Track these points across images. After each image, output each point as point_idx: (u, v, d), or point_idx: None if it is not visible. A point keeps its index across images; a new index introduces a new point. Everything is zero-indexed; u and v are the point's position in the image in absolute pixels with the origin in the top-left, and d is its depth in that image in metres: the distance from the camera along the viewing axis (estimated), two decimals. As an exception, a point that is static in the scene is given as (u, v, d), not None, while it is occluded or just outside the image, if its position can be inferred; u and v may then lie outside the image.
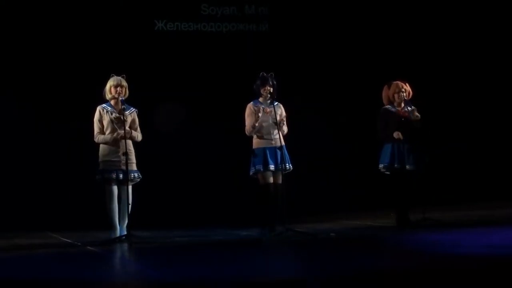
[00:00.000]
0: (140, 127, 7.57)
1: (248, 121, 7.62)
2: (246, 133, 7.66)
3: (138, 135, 7.48)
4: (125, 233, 7.23)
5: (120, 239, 7.17)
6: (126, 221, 7.34)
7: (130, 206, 7.28)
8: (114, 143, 7.33)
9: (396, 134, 7.78)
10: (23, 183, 9.48)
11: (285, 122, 7.64)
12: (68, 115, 9.57)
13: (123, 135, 7.28)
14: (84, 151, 8.56)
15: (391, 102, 8.02)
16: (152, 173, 9.24)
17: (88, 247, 7.07)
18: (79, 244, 7.39)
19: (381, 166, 7.96)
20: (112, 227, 7.34)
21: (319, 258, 6.00)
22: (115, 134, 7.32)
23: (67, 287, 4.96)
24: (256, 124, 7.53)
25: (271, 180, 7.57)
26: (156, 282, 5.06)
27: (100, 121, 7.42)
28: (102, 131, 7.42)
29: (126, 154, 7.16)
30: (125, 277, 5.42)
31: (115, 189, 7.33)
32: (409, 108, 7.97)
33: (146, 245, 7.15)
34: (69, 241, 7.76)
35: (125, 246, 6.95)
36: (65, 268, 5.90)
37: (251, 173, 7.63)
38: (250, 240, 7.40)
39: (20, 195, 9.44)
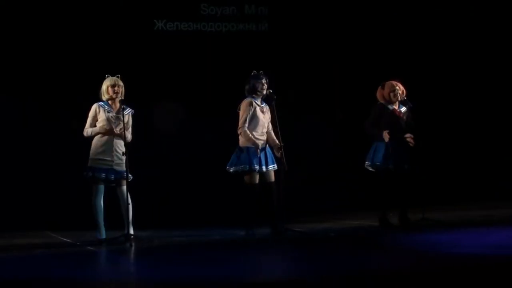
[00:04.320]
0: (140, 127, 7.56)
1: (245, 117, 7.52)
2: (239, 130, 7.52)
3: (129, 136, 7.46)
4: (130, 233, 7.22)
5: (119, 239, 7.16)
6: (129, 221, 7.32)
7: (130, 205, 7.28)
8: (107, 140, 7.30)
9: (385, 135, 7.80)
10: (23, 183, 9.47)
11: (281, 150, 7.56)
12: (69, 115, 9.56)
13: (117, 132, 7.28)
14: (84, 151, 8.55)
15: (387, 102, 8.02)
16: (151, 173, 9.26)
17: (88, 247, 7.07)
18: (78, 244, 7.39)
19: (368, 163, 7.95)
20: (97, 226, 7.33)
21: (318, 258, 5.99)
22: (104, 129, 7.30)
23: (66, 287, 4.96)
24: (246, 125, 7.49)
25: (258, 180, 7.54)
26: (156, 282, 5.06)
27: (94, 117, 7.38)
28: (92, 127, 7.39)
29: (125, 154, 7.15)
30: (125, 277, 5.42)
31: (102, 188, 7.31)
32: (404, 108, 7.98)
33: (145, 245, 7.15)
34: (69, 241, 7.75)
35: (125, 246, 6.94)
36: (65, 268, 5.89)
37: (235, 169, 7.52)
38: (248, 240, 7.39)
39: (20, 195, 9.44)
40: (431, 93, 10.41)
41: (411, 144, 7.87)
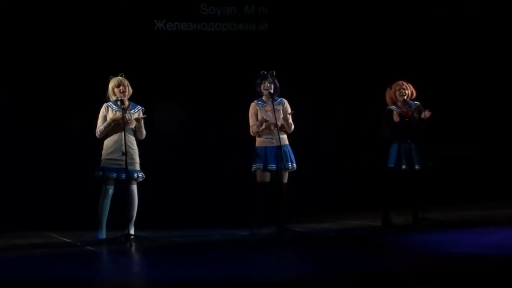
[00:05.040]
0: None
1: (251, 121, 7.61)
2: (251, 133, 7.64)
3: (143, 132, 7.48)
4: (130, 233, 7.23)
5: (119, 239, 7.16)
6: (132, 221, 7.33)
7: (136, 206, 7.30)
8: (117, 140, 7.30)
9: (395, 116, 7.77)
10: (23, 183, 9.47)
11: (290, 118, 7.63)
12: (69, 114, 9.57)
13: (128, 122, 7.28)
14: (84, 151, 8.58)
15: (394, 103, 8.01)
16: (151, 173, 9.24)
17: (88, 247, 7.07)
18: (78, 244, 7.39)
19: (388, 167, 7.94)
20: (99, 226, 7.33)
21: (318, 258, 5.99)
22: (114, 116, 7.28)
23: (66, 287, 4.96)
24: (261, 128, 7.51)
25: (268, 179, 7.55)
26: (156, 282, 5.06)
27: (104, 117, 7.39)
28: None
29: (125, 154, 7.15)
30: (125, 277, 5.42)
31: (111, 189, 7.32)
32: (414, 103, 7.95)
33: (145, 245, 7.15)
34: (69, 240, 7.75)
35: (125, 246, 6.94)
36: (65, 268, 5.89)
37: (252, 170, 7.62)
38: (249, 240, 7.40)
39: (20, 195, 9.44)
40: (430, 93, 10.40)
41: (427, 115, 7.79)
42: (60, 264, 6.15)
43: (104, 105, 7.42)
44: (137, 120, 7.35)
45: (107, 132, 7.37)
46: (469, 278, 4.67)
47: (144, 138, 7.55)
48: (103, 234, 7.31)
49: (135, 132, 7.43)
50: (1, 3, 9.72)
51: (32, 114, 9.68)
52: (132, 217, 7.34)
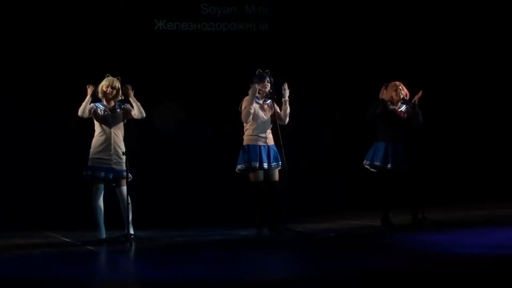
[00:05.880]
0: (140, 127, 7.54)
1: (246, 109, 7.53)
2: (243, 119, 7.55)
3: (140, 108, 7.35)
4: (130, 233, 7.22)
5: (119, 239, 7.16)
6: (129, 221, 7.31)
7: (130, 205, 7.27)
8: (105, 139, 7.30)
9: (382, 92, 7.84)
10: (23, 183, 9.48)
11: (288, 108, 7.61)
12: (69, 114, 9.55)
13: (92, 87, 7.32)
14: (84, 151, 8.56)
15: (389, 102, 8.03)
16: (151, 173, 9.26)
17: (88, 247, 7.07)
18: (78, 243, 7.39)
19: (367, 162, 7.93)
20: (97, 226, 7.33)
21: (318, 258, 5.99)
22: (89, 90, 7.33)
23: (66, 287, 4.96)
24: (251, 111, 7.48)
25: (262, 178, 7.54)
26: (155, 282, 5.06)
27: (90, 110, 7.37)
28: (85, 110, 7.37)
29: (126, 154, 7.15)
30: (124, 277, 5.42)
31: (101, 187, 7.32)
32: (406, 106, 7.97)
33: (145, 245, 7.15)
34: (69, 240, 7.76)
35: (125, 246, 6.95)
36: (65, 267, 5.89)
37: (239, 168, 7.57)
38: (249, 240, 7.40)
39: (20, 195, 9.44)
40: (431, 93, 10.40)
41: (418, 97, 7.87)
42: (60, 264, 6.15)
43: (92, 104, 7.38)
44: (127, 93, 7.30)
45: (96, 130, 7.36)
46: (469, 278, 4.66)
47: (144, 138, 7.54)
48: (102, 234, 7.31)
49: (134, 112, 7.39)
50: (1, 3, 9.72)
51: (32, 114, 9.67)
52: (129, 218, 7.30)
